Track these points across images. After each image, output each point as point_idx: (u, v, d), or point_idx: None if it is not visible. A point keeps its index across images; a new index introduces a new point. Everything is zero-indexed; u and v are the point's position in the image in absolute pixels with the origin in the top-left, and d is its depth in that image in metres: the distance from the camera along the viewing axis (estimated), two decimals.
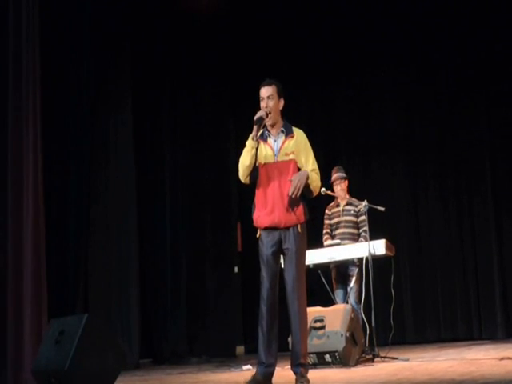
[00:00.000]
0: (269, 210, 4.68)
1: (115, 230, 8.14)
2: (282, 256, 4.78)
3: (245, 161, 4.70)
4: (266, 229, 4.72)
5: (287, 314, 4.67)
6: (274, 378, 4.79)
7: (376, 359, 6.33)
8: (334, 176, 7.22)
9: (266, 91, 4.75)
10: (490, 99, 9.58)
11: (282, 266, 4.80)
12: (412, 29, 9.89)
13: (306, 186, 4.65)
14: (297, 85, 10.38)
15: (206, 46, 9.75)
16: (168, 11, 9.26)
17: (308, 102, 10.61)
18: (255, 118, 4.68)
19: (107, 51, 8.35)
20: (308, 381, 4.55)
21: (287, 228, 4.67)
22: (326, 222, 7.32)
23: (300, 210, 4.70)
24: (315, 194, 4.80)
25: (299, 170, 4.73)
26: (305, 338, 4.67)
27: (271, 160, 4.71)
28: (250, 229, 10.87)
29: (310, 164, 4.76)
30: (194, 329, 9.10)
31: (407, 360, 6.20)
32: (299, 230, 4.67)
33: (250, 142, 4.70)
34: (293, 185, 4.58)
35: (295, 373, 4.63)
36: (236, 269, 9.94)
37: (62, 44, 7.78)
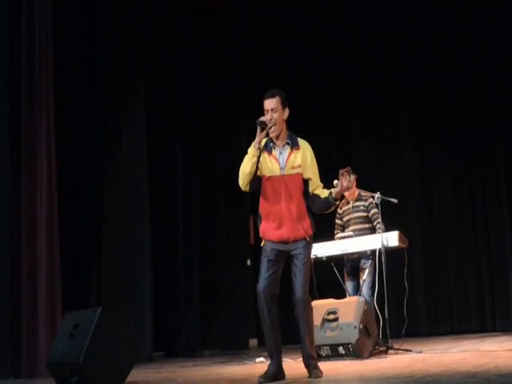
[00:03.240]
0: (276, 224, 4.66)
1: (128, 223, 8.16)
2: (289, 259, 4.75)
3: (245, 168, 4.64)
4: (273, 242, 4.69)
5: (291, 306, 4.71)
6: (287, 370, 4.80)
7: (389, 351, 6.32)
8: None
9: (269, 104, 4.67)
10: (504, 87, 9.49)
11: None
12: (424, 20, 9.82)
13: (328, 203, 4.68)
14: (307, 79, 10.37)
15: (218, 42, 9.72)
16: (180, 8, 9.23)
17: (319, 94, 10.56)
18: (258, 120, 4.61)
19: (120, 45, 8.35)
20: (321, 372, 4.60)
21: (295, 242, 4.67)
22: (337, 221, 7.28)
23: (307, 223, 4.70)
24: (328, 211, 4.83)
25: (305, 182, 4.70)
26: (312, 341, 4.73)
27: (277, 173, 4.66)
28: None
29: (317, 180, 4.76)
30: (206, 322, 9.12)
31: (421, 352, 6.19)
32: (307, 241, 4.70)
33: (251, 150, 4.63)
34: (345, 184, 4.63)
35: (308, 365, 4.67)
36: (248, 262, 9.93)
37: (74, 38, 7.77)
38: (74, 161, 7.69)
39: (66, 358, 4.82)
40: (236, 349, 8.92)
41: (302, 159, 4.69)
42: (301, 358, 6.12)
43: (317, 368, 4.62)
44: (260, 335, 10.12)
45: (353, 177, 7.09)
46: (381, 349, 6.35)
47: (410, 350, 6.28)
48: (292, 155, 4.68)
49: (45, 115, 6.82)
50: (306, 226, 4.68)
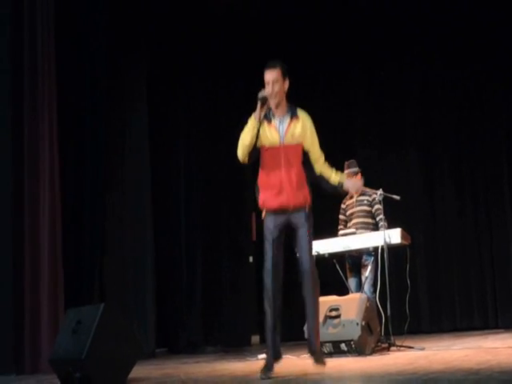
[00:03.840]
0: (276, 191, 4.64)
1: (130, 219, 8.17)
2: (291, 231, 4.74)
3: (245, 140, 4.64)
4: (273, 212, 4.68)
5: (298, 305, 4.70)
6: (291, 367, 4.81)
7: (392, 348, 6.31)
8: (346, 172, 7.13)
9: (270, 75, 4.66)
10: (508, 86, 9.48)
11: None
12: (430, 19, 9.80)
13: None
14: (312, 77, 10.36)
15: (222, 40, 9.72)
16: (183, 6, 9.21)
17: (324, 93, 10.56)
18: (259, 95, 4.59)
19: (123, 44, 8.33)
20: (324, 362, 4.64)
21: (295, 210, 4.65)
22: (341, 217, 7.30)
23: (306, 191, 4.71)
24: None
25: (304, 152, 4.72)
26: (317, 319, 4.75)
27: (277, 143, 4.66)
28: None
29: (318, 150, 4.77)
30: (209, 318, 9.13)
31: (423, 349, 6.19)
32: (307, 211, 4.68)
33: (252, 121, 4.63)
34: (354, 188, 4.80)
35: (313, 353, 4.70)
36: (251, 258, 9.94)
37: (77, 37, 7.77)
38: (77, 160, 7.71)
39: (69, 354, 4.82)
40: (238, 345, 8.93)
41: (302, 129, 4.70)
42: (304, 355, 6.16)
43: (322, 355, 4.69)
44: (262, 332, 10.13)
45: (356, 169, 7.14)
46: (383, 346, 6.35)
47: (413, 347, 6.28)
48: (292, 125, 4.69)
49: (47, 115, 6.83)
50: (305, 194, 4.70)
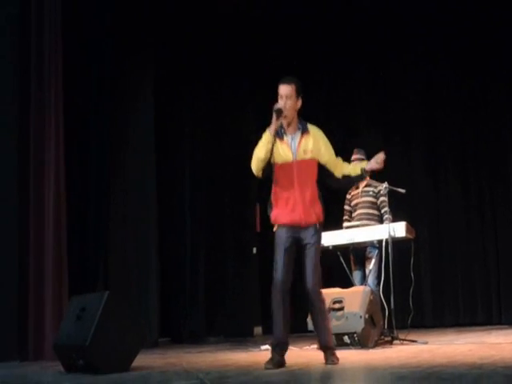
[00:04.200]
0: (289, 209, 4.69)
1: (135, 209, 8.16)
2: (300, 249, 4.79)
3: (260, 154, 4.64)
4: (285, 226, 4.72)
5: (301, 297, 4.72)
6: (294, 358, 4.82)
7: (395, 341, 6.32)
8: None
9: (284, 90, 4.69)
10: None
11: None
12: (434, 17, 9.75)
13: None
14: (315, 70, 10.32)
15: (227, 39, 9.67)
16: (188, 6, 9.18)
17: (327, 91, 10.53)
18: (275, 107, 4.61)
19: (128, 42, 8.31)
20: (337, 359, 4.66)
21: (306, 226, 4.70)
22: (346, 207, 7.30)
23: (319, 209, 4.76)
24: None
25: (320, 167, 4.75)
26: (328, 327, 4.82)
27: (289, 160, 4.68)
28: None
29: (334, 158, 4.81)
30: (212, 309, 9.15)
31: (426, 343, 6.19)
32: (318, 227, 4.74)
33: (267, 136, 4.63)
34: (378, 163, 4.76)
35: (324, 353, 4.73)
36: (254, 250, 9.95)
37: (83, 37, 7.77)
38: (82, 161, 7.74)
39: (73, 340, 4.84)
40: (241, 336, 8.95)
41: (314, 144, 4.72)
42: (306, 347, 6.18)
43: (333, 355, 4.67)
44: (265, 323, 10.15)
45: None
46: (386, 339, 6.36)
47: (416, 341, 6.28)
48: (303, 140, 4.71)
49: (54, 115, 6.82)
50: (318, 212, 4.74)
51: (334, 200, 7.47)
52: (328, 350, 4.74)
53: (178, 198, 9.16)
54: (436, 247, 9.81)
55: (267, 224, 10.94)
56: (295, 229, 4.71)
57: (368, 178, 7.18)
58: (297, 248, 4.77)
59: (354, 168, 4.86)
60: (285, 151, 4.69)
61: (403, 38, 10.01)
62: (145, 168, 8.33)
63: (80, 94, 7.67)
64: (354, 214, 7.19)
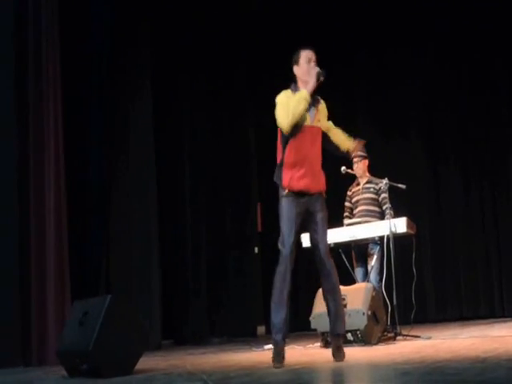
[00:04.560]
0: (301, 173, 4.72)
1: (136, 210, 8.16)
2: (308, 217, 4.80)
3: (297, 108, 4.65)
4: (296, 193, 4.74)
5: (304, 295, 4.71)
6: (297, 357, 4.80)
7: (398, 337, 6.31)
8: (353, 154, 7.12)
9: (314, 56, 4.91)
10: None
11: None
12: (435, 5, 9.75)
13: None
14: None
15: (224, 29, 9.69)
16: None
17: (326, 82, 10.50)
18: (321, 71, 4.78)
19: (126, 32, 8.31)
20: (344, 355, 4.67)
21: (314, 194, 4.76)
22: (346, 204, 7.28)
23: (323, 177, 4.86)
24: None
25: (323, 134, 4.88)
26: (340, 304, 4.80)
27: (308, 124, 4.77)
28: (270, 209, 10.88)
29: (330, 124, 5.01)
30: (214, 309, 9.14)
31: (429, 338, 6.19)
32: (323, 196, 4.83)
33: (306, 95, 4.69)
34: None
35: (335, 336, 4.72)
36: (256, 249, 9.94)
37: (81, 25, 7.76)
38: (82, 155, 7.77)
39: (76, 345, 4.83)
40: (244, 336, 8.94)
41: (323, 114, 4.93)
42: (310, 345, 6.17)
43: (340, 351, 4.68)
44: (268, 322, 10.14)
45: (364, 154, 7.13)
46: (389, 335, 6.35)
47: (419, 336, 6.28)
48: (318, 109, 4.86)
49: (52, 115, 6.81)
50: (322, 180, 4.85)
51: (334, 197, 7.46)
52: (336, 339, 4.70)
53: (179, 198, 9.15)
54: (437, 242, 9.81)
55: (269, 223, 10.98)
56: (304, 197, 4.73)
57: (369, 175, 7.18)
58: (303, 219, 4.77)
59: (343, 141, 5.05)
60: (305, 115, 4.76)
61: (403, 24, 10.01)
62: (145, 168, 8.32)
63: (78, 93, 7.67)
64: (354, 211, 7.17)
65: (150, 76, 8.45)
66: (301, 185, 4.72)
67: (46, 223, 6.65)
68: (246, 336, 9.01)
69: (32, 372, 5.82)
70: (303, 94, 4.71)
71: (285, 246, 4.70)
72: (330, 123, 5.04)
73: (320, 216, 4.76)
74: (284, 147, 4.76)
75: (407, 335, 6.31)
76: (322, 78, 4.77)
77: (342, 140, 5.04)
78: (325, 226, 4.78)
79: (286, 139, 4.74)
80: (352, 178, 7.31)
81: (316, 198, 4.77)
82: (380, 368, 4.19)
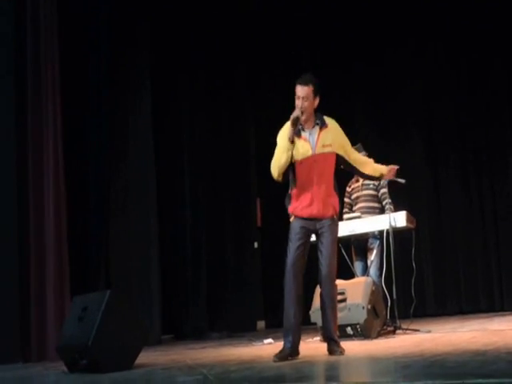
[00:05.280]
0: (307, 203, 4.73)
1: (136, 205, 8.15)
2: (315, 236, 4.86)
3: (280, 160, 4.68)
4: (301, 218, 4.77)
5: (307, 288, 4.73)
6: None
7: (397, 331, 6.31)
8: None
9: (301, 91, 4.71)
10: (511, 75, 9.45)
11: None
12: (433, 2, 9.73)
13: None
14: (312, 62, 10.29)
15: (223, 29, 9.68)
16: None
17: (326, 81, 10.47)
18: (292, 117, 4.65)
19: (125, 32, 8.30)
20: (343, 350, 4.68)
21: (322, 219, 4.76)
22: (346, 200, 7.26)
23: (336, 200, 4.84)
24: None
25: (337, 160, 4.82)
26: (335, 317, 4.85)
27: (309, 154, 4.71)
28: (270, 204, 10.92)
29: (352, 150, 4.95)
30: (214, 304, 9.14)
31: (429, 332, 6.19)
32: (334, 218, 4.80)
33: (285, 143, 4.67)
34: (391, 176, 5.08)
35: (329, 344, 4.77)
36: (256, 244, 9.95)
37: (80, 25, 7.76)
38: (81, 148, 7.76)
39: (76, 341, 4.83)
40: (244, 331, 8.94)
41: (333, 137, 4.78)
42: (309, 339, 6.18)
43: (339, 346, 4.71)
44: (268, 317, 10.16)
45: (364, 153, 7.11)
46: (389, 329, 6.34)
47: (419, 330, 6.28)
48: (322, 134, 4.75)
49: (51, 115, 6.81)
50: (334, 204, 4.81)
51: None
52: (332, 341, 4.74)
53: (179, 194, 9.15)
54: (437, 236, 9.81)
55: (268, 218, 10.98)
56: (312, 221, 4.76)
57: None
58: (311, 236, 4.83)
59: (374, 170, 5.06)
60: (304, 147, 4.71)
61: (402, 22, 10.01)
62: (144, 164, 8.31)
63: (78, 95, 7.68)
64: (354, 208, 7.15)
65: (149, 76, 8.44)
66: (305, 213, 4.75)
67: (46, 221, 6.65)
68: (246, 331, 9.01)
69: (32, 368, 5.82)
70: (281, 144, 4.70)
71: (288, 258, 4.74)
72: (357, 155, 5.07)
73: (327, 239, 4.74)
74: (292, 178, 4.78)
75: (407, 329, 6.31)
76: (296, 122, 4.64)
77: (374, 169, 5.05)
78: (330, 248, 4.74)
79: (293, 171, 4.75)
80: (351, 173, 7.28)
81: (325, 222, 4.76)
82: (380, 361, 4.19)
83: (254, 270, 9.80)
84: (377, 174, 5.07)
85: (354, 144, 7.17)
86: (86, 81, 7.92)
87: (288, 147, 4.65)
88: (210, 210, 9.39)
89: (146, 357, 5.41)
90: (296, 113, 4.66)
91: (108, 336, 4.68)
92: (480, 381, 2.79)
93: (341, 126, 4.96)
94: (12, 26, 6.76)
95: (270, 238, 10.16)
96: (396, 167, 5.19)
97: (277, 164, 4.70)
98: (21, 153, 6.64)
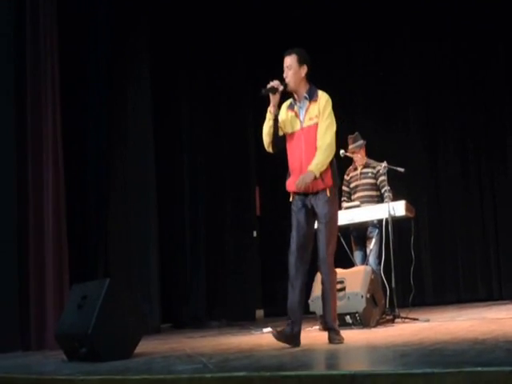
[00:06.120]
0: (297, 175, 4.74)
1: (134, 193, 8.15)
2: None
3: (264, 129, 4.82)
4: (297, 194, 4.79)
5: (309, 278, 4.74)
6: None
7: (396, 320, 6.33)
8: (351, 147, 7.10)
9: (285, 61, 4.82)
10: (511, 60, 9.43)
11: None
12: None
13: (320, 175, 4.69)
14: (312, 49, 10.24)
15: (223, 16, 9.65)
16: None
17: (325, 65, 10.48)
18: (262, 90, 4.71)
19: (125, 29, 8.29)
20: (342, 338, 4.69)
21: (316, 193, 4.72)
22: (344, 188, 7.26)
23: (328, 174, 4.73)
24: (330, 159, 4.74)
25: None
26: (335, 306, 4.83)
27: (298, 127, 4.79)
28: (269, 193, 10.94)
29: (322, 128, 4.71)
30: (213, 293, 9.17)
31: (428, 320, 6.21)
32: (328, 195, 4.72)
33: (267, 114, 4.78)
34: (297, 185, 4.66)
35: (329, 331, 4.77)
36: (255, 233, 9.96)
37: (79, 24, 7.74)
38: (80, 136, 7.76)
39: (75, 329, 4.83)
40: (243, 320, 8.96)
41: (318, 110, 4.76)
42: (308, 328, 6.19)
43: (338, 334, 4.71)
44: (266, 306, 10.19)
45: (362, 141, 7.11)
46: (388, 318, 6.36)
47: (417, 319, 6.30)
48: (310, 107, 4.78)
49: (51, 115, 6.79)
50: (325, 178, 4.71)
51: None
52: (332, 330, 4.75)
53: (178, 184, 9.16)
54: (436, 225, 9.83)
55: (267, 207, 10.97)
56: (306, 196, 4.75)
57: (366, 158, 7.16)
58: (314, 219, 4.81)
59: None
60: (293, 120, 4.80)
61: (402, 11, 9.99)
62: (144, 153, 8.31)
63: (76, 91, 7.69)
64: (353, 197, 7.15)
65: (149, 75, 8.44)
66: (295, 187, 4.73)
67: (45, 209, 6.65)
68: (245, 320, 9.03)
69: (31, 356, 5.83)
70: (268, 115, 4.78)
71: (291, 241, 4.75)
72: (322, 129, 4.74)
73: (322, 221, 4.69)
74: (287, 153, 4.86)
75: (406, 318, 6.33)
76: (272, 91, 4.68)
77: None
78: (326, 229, 4.68)
79: (286, 146, 4.82)
80: (350, 160, 7.29)
81: (319, 197, 4.72)
82: (379, 350, 4.20)
83: (253, 258, 9.82)
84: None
85: (351, 133, 7.24)
86: (85, 80, 7.90)
87: (269, 117, 4.75)
88: (209, 199, 9.39)
89: (145, 345, 5.42)
90: (272, 83, 4.72)
91: (107, 324, 4.67)
92: (478, 369, 2.79)
93: (339, 113, 4.96)
94: (11, 26, 6.74)
95: (269, 227, 10.18)
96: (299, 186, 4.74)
97: (263, 134, 4.83)
98: (20, 153, 6.64)
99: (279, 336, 4.61)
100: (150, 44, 8.56)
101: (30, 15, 6.74)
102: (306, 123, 4.76)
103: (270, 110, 4.76)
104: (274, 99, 4.74)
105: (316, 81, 4.90)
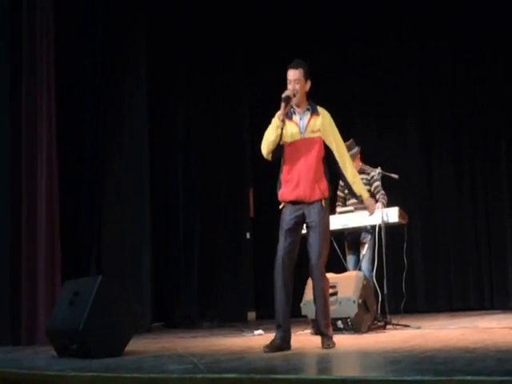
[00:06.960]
0: (294, 185, 4.76)
1: (129, 193, 8.15)
2: (306, 228, 4.86)
3: (269, 137, 4.77)
4: (291, 203, 4.80)
5: (299, 282, 4.74)
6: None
7: (388, 326, 6.33)
8: None
9: (292, 74, 4.82)
10: (508, 63, 9.43)
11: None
12: None
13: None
14: (310, 54, 10.27)
15: (219, 14, 9.64)
16: None
17: (322, 68, 10.49)
18: (283, 95, 4.74)
19: (121, 29, 8.28)
20: (333, 343, 4.70)
21: (311, 203, 4.76)
22: (339, 193, 7.25)
23: (324, 185, 4.81)
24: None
25: (326, 148, 4.84)
26: (327, 311, 4.86)
27: (298, 137, 4.81)
28: (262, 195, 10.92)
29: (340, 147, 4.93)
30: (205, 293, 9.16)
31: (419, 328, 6.21)
32: (323, 205, 4.78)
33: (276, 122, 4.76)
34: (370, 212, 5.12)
35: (321, 336, 4.80)
36: (248, 235, 9.96)
37: (75, 13, 7.72)
38: (75, 133, 7.74)
39: (66, 325, 4.83)
40: (235, 321, 8.96)
41: (322, 125, 4.84)
42: (300, 332, 6.20)
43: (330, 339, 4.72)
44: (258, 308, 10.19)
45: (357, 149, 7.11)
46: (379, 324, 6.36)
47: (409, 326, 6.31)
48: (312, 120, 4.83)
49: (46, 114, 6.79)
50: (322, 188, 4.79)
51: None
52: (324, 336, 4.75)
53: (172, 184, 9.15)
54: (429, 232, 9.83)
55: (261, 209, 10.96)
56: (300, 205, 4.77)
57: (361, 164, 7.16)
58: (303, 226, 4.84)
59: (358, 189, 5.02)
60: (293, 130, 4.81)
61: (398, 11, 9.99)
62: (139, 153, 8.31)
63: (73, 90, 7.70)
64: (348, 202, 7.14)
65: (145, 76, 8.44)
66: (292, 197, 4.78)
67: (38, 206, 6.64)
68: (237, 321, 9.03)
69: (21, 351, 5.83)
70: (273, 122, 4.78)
71: (277, 251, 4.76)
72: (345, 152, 5.00)
73: (315, 229, 4.72)
74: (282, 161, 4.85)
75: (397, 324, 6.34)
76: (287, 101, 4.73)
77: (358, 185, 5.03)
78: (319, 237, 4.71)
79: (283, 154, 4.82)
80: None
81: (314, 207, 4.76)
82: (369, 356, 4.21)
83: (246, 260, 9.82)
84: (356, 190, 5.00)
85: (346, 140, 7.23)
86: (81, 80, 7.90)
87: (278, 125, 4.73)
88: (202, 200, 9.38)
89: (136, 344, 5.42)
90: (288, 92, 4.75)
91: (99, 322, 4.68)
92: (469, 378, 2.80)
93: (334, 118, 5.00)
94: (8, 26, 6.73)
95: (262, 229, 10.17)
96: (373, 212, 5.33)
97: (266, 141, 4.79)
98: (14, 152, 6.63)
99: (271, 350, 4.57)
100: (147, 44, 8.55)
101: (26, 15, 6.73)
102: (307, 135, 4.80)
103: (280, 117, 4.73)
104: (286, 108, 4.74)
105: (313, 80, 4.93)
